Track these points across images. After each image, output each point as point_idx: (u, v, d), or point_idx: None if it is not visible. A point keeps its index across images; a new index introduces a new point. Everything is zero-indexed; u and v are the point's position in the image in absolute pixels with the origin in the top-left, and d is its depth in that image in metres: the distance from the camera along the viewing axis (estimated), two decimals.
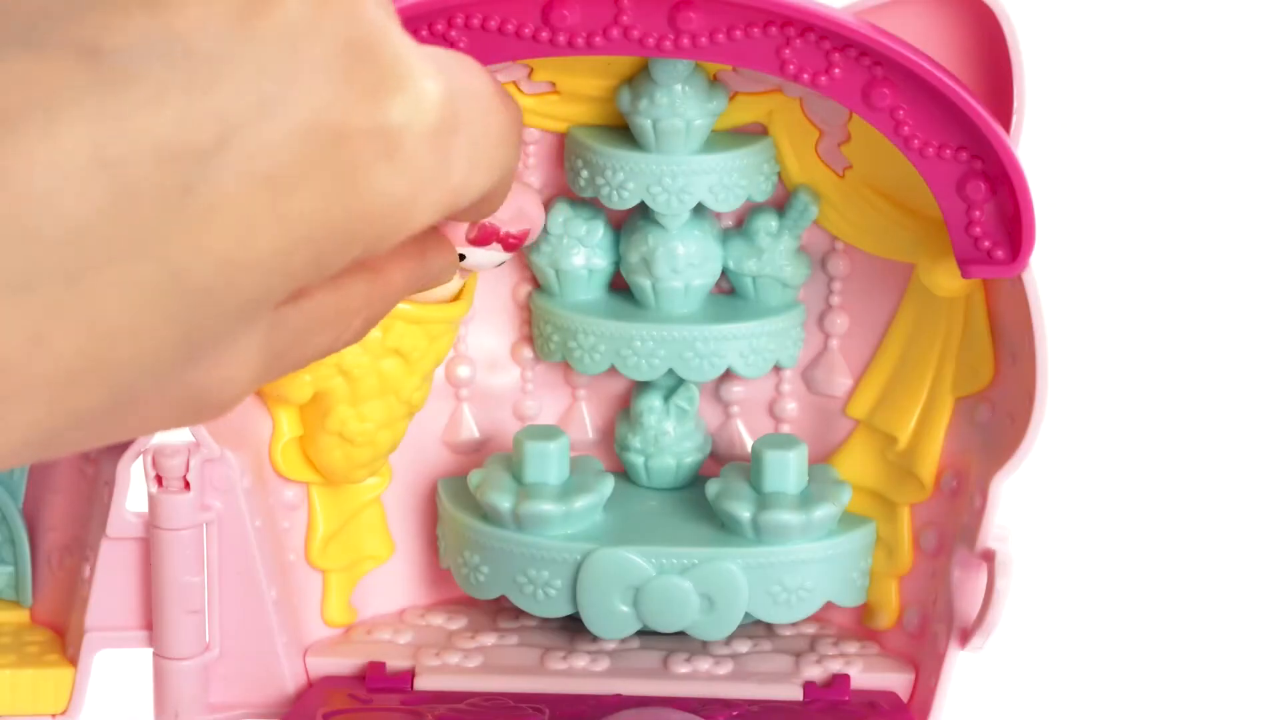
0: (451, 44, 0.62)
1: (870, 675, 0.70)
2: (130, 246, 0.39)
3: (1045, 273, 0.64)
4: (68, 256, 0.38)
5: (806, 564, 0.69)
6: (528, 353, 0.73)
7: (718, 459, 0.73)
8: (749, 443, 0.72)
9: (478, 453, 0.73)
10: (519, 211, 0.66)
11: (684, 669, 0.70)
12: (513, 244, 0.66)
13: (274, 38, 0.41)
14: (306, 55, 0.41)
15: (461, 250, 0.66)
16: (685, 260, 0.69)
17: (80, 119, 0.38)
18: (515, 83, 0.69)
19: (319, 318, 0.47)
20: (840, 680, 0.69)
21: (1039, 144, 0.67)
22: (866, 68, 0.62)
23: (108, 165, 0.38)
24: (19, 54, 0.38)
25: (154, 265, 0.39)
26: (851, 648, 0.71)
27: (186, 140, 0.39)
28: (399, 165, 0.43)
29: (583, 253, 0.71)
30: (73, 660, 0.69)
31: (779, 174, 0.70)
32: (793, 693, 0.69)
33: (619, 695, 0.69)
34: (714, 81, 0.68)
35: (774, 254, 0.70)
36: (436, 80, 0.44)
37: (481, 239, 0.66)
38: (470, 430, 0.73)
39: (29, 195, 0.38)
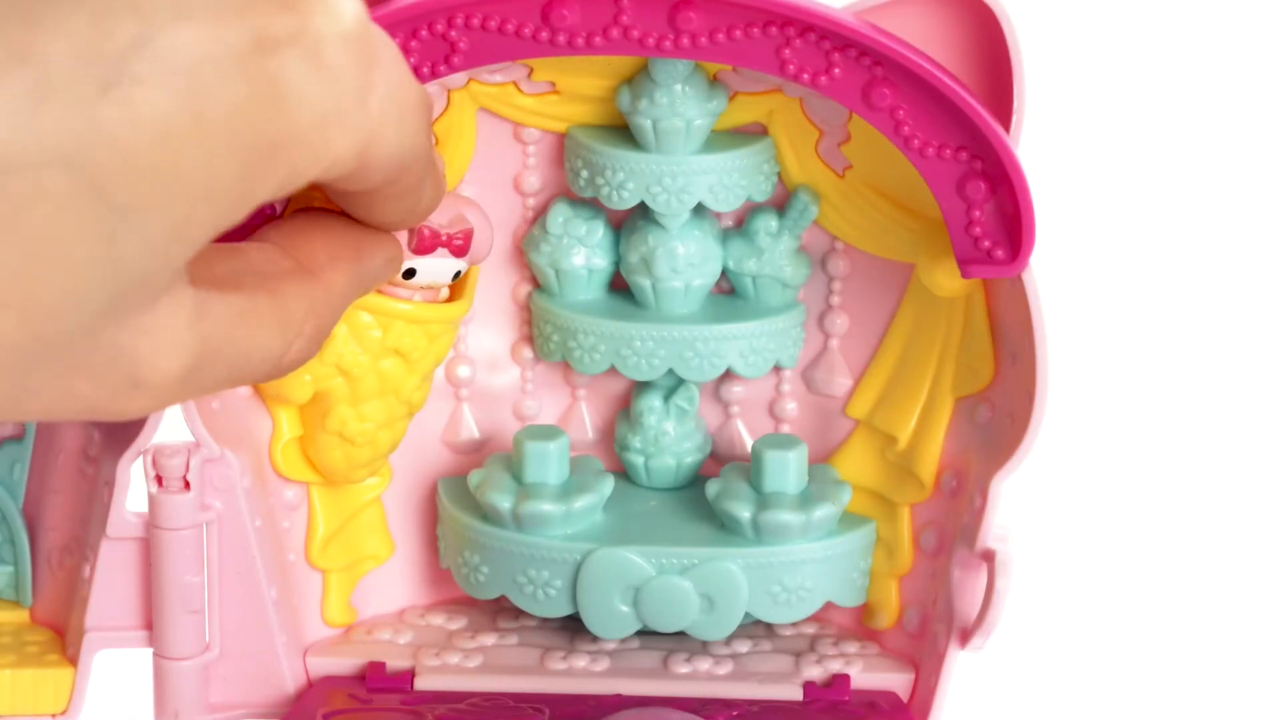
0: (452, 44, 0.62)
1: (870, 675, 0.70)
2: (44, 151, 0.38)
3: (1045, 273, 0.64)
4: None
5: (806, 564, 0.69)
6: (528, 353, 0.73)
7: (718, 459, 0.73)
8: (749, 443, 0.72)
9: (478, 453, 0.73)
10: (457, 215, 0.66)
11: (684, 669, 0.70)
12: (458, 247, 0.66)
13: None
14: None
15: (411, 264, 0.66)
16: (685, 260, 0.69)
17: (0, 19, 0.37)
18: (515, 83, 0.69)
19: (255, 315, 0.46)
20: (840, 680, 0.69)
21: (1039, 144, 0.67)
22: (866, 68, 0.62)
23: (22, 64, 0.37)
24: None
25: (70, 172, 0.38)
26: (851, 648, 0.71)
27: (103, 40, 0.38)
28: (319, 74, 0.43)
29: (583, 253, 0.71)
30: (73, 660, 0.69)
31: (779, 174, 0.70)
32: (793, 693, 0.69)
33: (619, 695, 0.69)
34: (714, 81, 0.68)
35: (774, 254, 0.70)
36: (355, 18, 0.45)
37: (422, 246, 0.65)
38: (470, 430, 0.73)
39: None
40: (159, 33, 0.39)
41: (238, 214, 0.42)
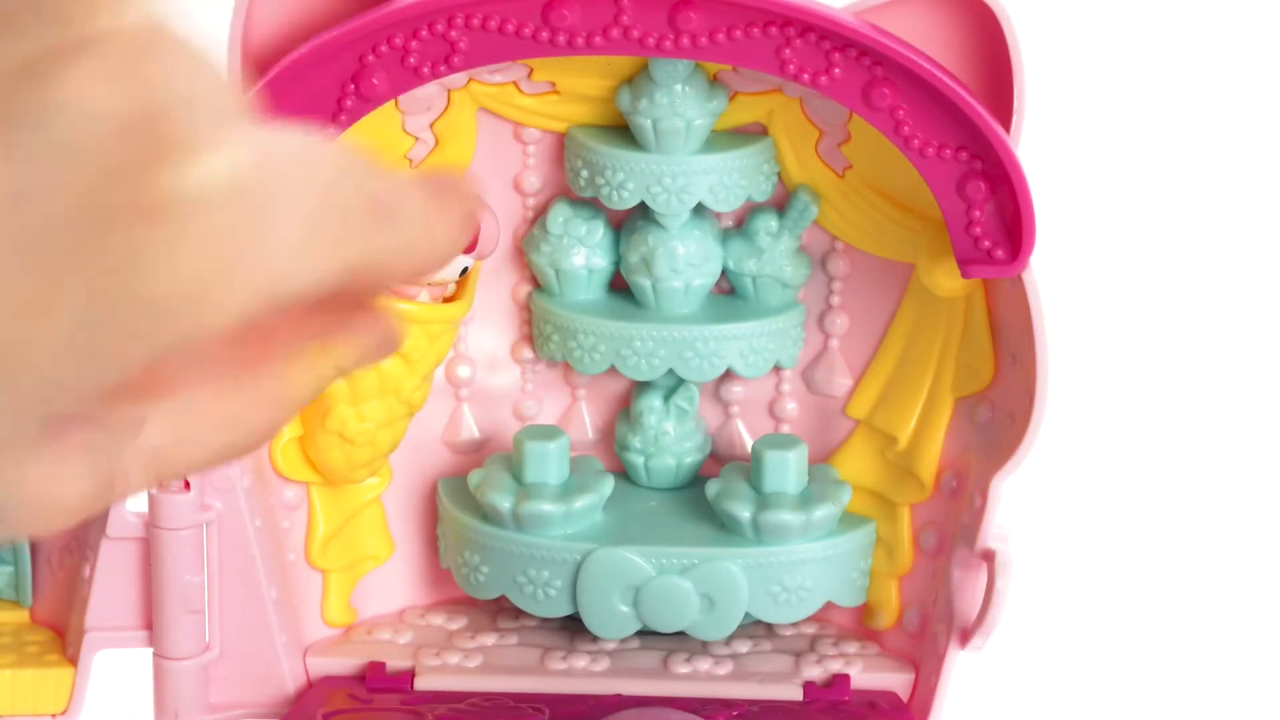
0: (452, 44, 0.62)
1: (870, 675, 0.70)
2: None
3: (1045, 273, 0.64)
4: None
5: (806, 564, 0.69)
6: (528, 353, 0.73)
7: (718, 459, 0.73)
8: (749, 443, 0.72)
9: (478, 453, 0.73)
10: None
11: (684, 669, 0.70)
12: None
13: (62, 107, 0.38)
14: (94, 128, 0.38)
15: None
16: (685, 260, 0.69)
17: None
18: (515, 83, 0.69)
19: (183, 424, 0.44)
20: (840, 680, 0.69)
21: (1039, 144, 0.67)
22: (866, 67, 0.62)
23: None
24: None
25: None
26: (851, 648, 0.71)
27: None
28: (183, 247, 0.39)
29: (583, 253, 0.71)
30: (73, 660, 0.69)
31: (779, 174, 0.70)
32: (793, 693, 0.69)
33: (619, 695, 0.69)
34: (714, 81, 0.68)
35: (774, 254, 0.70)
36: (233, 149, 0.40)
37: None
38: (470, 430, 0.73)
39: None
40: (26, 204, 0.38)
41: (111, 379, 0.39)
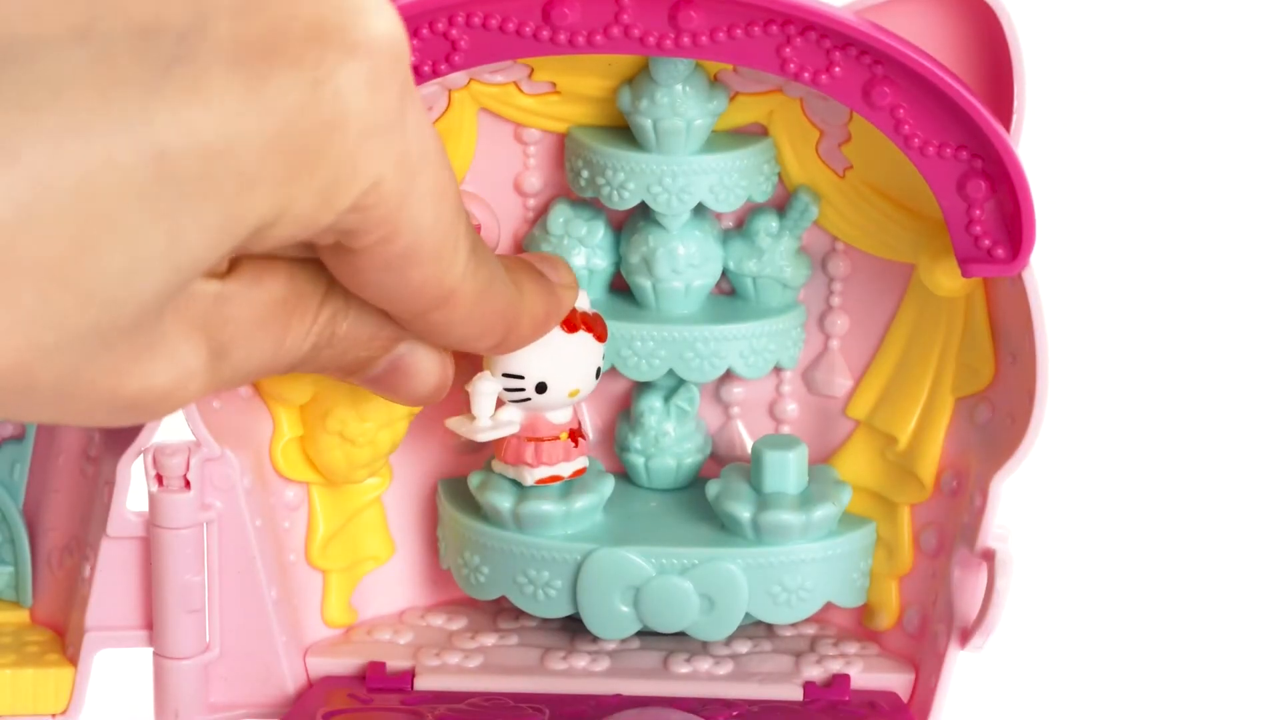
0: (452, 43, 0.62)
1: (870, 675, 0.70)
2: (113, 120, 0.39)
3: (1045, 272, 0.64)
4: (53, 124, 0.39)
5: (806, 564, 0.69)
6: None
7: (718, 459, 0.73)
8: (749, 443, 0.72)
9: (478, 453, 0.73)
10: None
11: (684, 669, 0.70)
12: None
13: None
14: None
15: None
16: (685, 261, 0.69)
17: None
18: (516, 83, 0.69)
19: (268, 304, 0.48)
20: (840, 680, 0.69)
21: (1039, 143, 0.67)
22: (867, 66, 0.62)
23: (89, 36, 0.39)
24: None
25: (138, 146, 0.40)
26: (851, 648, 0.71)
27: (164, 20, 0.40)
28: (368, 78, 0.45)
29: (583, 253, 0.71)
30: (73, 660, 0.69)
31: (779, 174, 0.70)
32: (793, 693, 0.69)
33: (619, 695, 0.69)
34: (714, 81, 0.68)
35: (774, 254, 0.70)
36: (396, 30, 0.47)
37: None
38: None
39: (12, 58, 0.38)
40: (218, 20, 0.41)
41: (286, 212, 0.44)
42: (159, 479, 0.67)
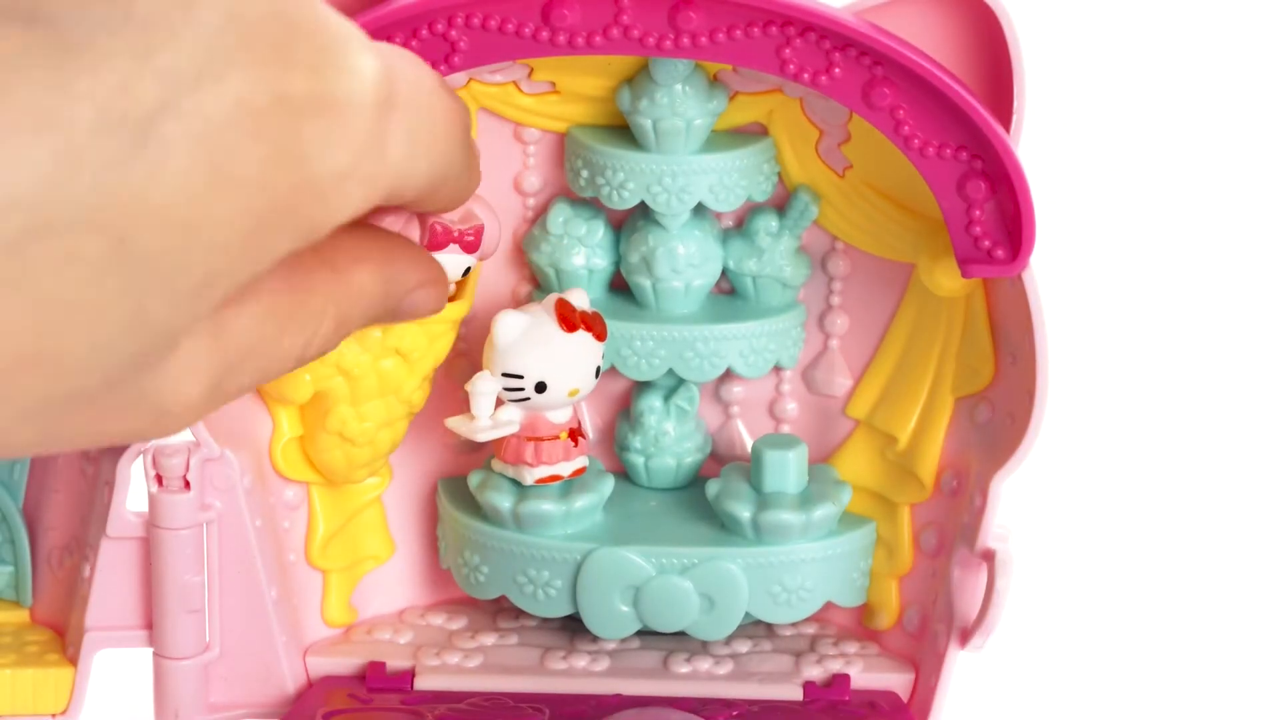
0: (452, 44, 0.62)
1: (870, 675, 0.70)
2: (74, 213, 0.38)
3: (1045, 273, 0.64)
4: (10, 226, 0.38)
5: (806, 564, 0.69)
6: None
7: (718, 459, 0.73)
8: (749, 443, 0.72)
9: (478, 452, 0.73)
10: (467, 212, 0.65)
11: (684, 669, 0.70)
12: (469, 244, 0.65)
13: (214, 9, 0.41)
14: (246, 28, 0.42)
15: None
16: (685, 260, 0.69)
17: (23, 85, 0.38)
18: (515, 83, 0.69)
19: (273, 318, 0.47)
20: (840, 680, 0.69)
21: (1039, 144, 0.67)
22: (867, 67, 0.62)
23: (51, 129, 0.38)
24: None
25: (99, 234, 0.39)
26: (851, 648, 0.71)
27: (130, 104, 0.39)
28: (337, 135, 0.44)
29: (583, 253, 0.71)
30: (73, 660, 0.69)
31: (779, 174, 0.70)
32: (793, 693, 0.69)
33: (619, 695, 0.69)
34: (714, 81, 0.68)
35: (774, 254, 0.70)
36: (374, 57, 0.46)
37: (433, 242, 0.64)
38: None
39: None
40: (184, 97, 0.40)
41: (260, 267, 0.43)
42: (159, 479, 0.67)
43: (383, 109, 0.46)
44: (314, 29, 0.44)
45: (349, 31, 0.45)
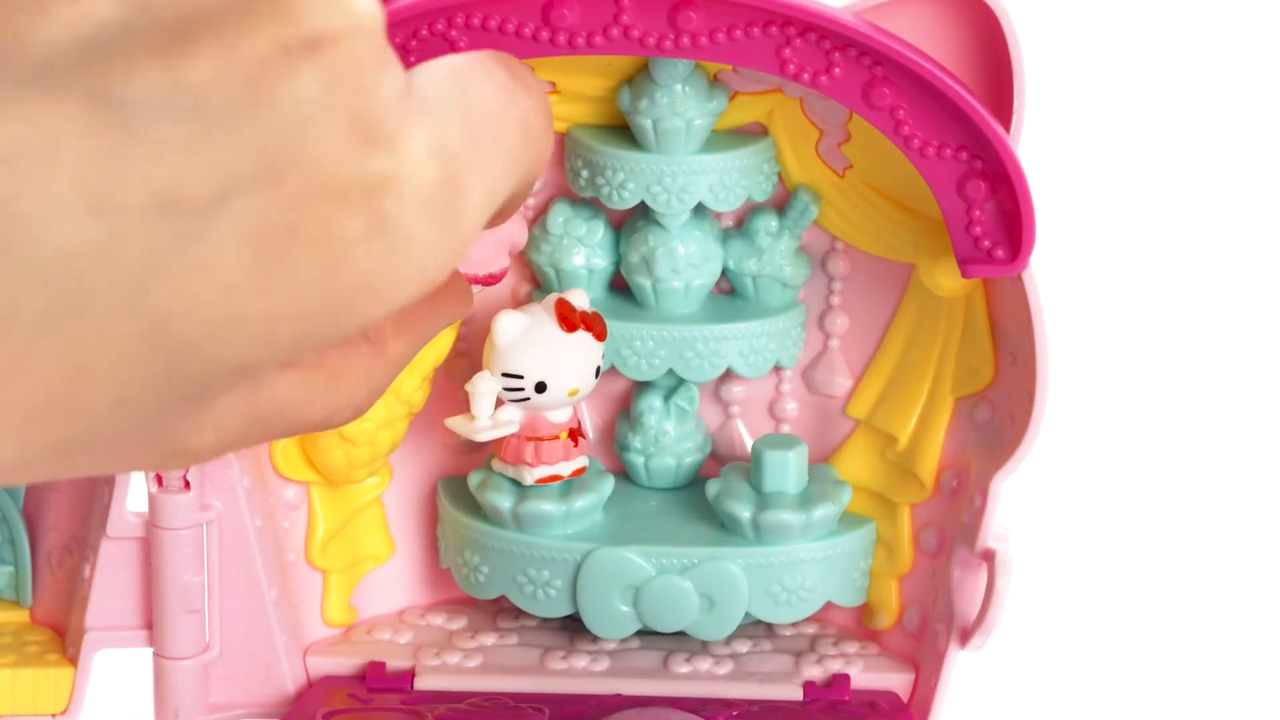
0: (452, 44, 0.62)
1: (870, 675, 0.70)
2: (115, 293, 0.38)
3: (1045, 273, 0.64)
4: (52, 295, 0.38)
5: (806, 564, 0.69)
6: None
7: (718, 459, 0.73)
8: (749, 443, 0.72)
9: (477, 452, 0.73)
10: (495, 249, 0.65)
11: (684, 669, 0.70)
12: (489, 280, 0.65)
13: (284, 105, 0.40)
14: (314, 127, 0.41)
15: None
16: (685, 260, 0.69)
17: (81, 162, 0.38)
18: None
19: (306, 388, 0.46)
20: (840, 680, 0.69)
21: (1039, 144, 0.67)
22: (867, 67, 0.62)
23: (103, 210, 0.38)
24: (29, 92, 0.38)
25: (136, 316, 0.39)
26: (851, 648, 0.71)
27: (184, 194, 0.39)
28: (390, 242, 0.42)
29: (583, 253, 0.71)
30: (73, 660, 0.69)
31: (779, 174, 0.70)
32: (793, 693, 0.69)
33: (619, 695, 0.69)
34: (714, 81, 0.68)
35: (774, 254, 0.70)
36: (428, 153, 0.43)
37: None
38: None
39: (21, 230, 0.37)
40: (239, 195, 0.40)
41: (303, 354, 0.42)
42: (159, 479, 0.67)
43: (442, 202, 0.43)
44: (379, 128, 0.42)
45: (406, 121, 0.42)
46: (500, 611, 0.73)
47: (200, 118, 0.39)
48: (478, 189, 0.45)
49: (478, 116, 0.46)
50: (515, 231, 0.66)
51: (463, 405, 0.68)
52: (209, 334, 0.40)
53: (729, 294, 0.72)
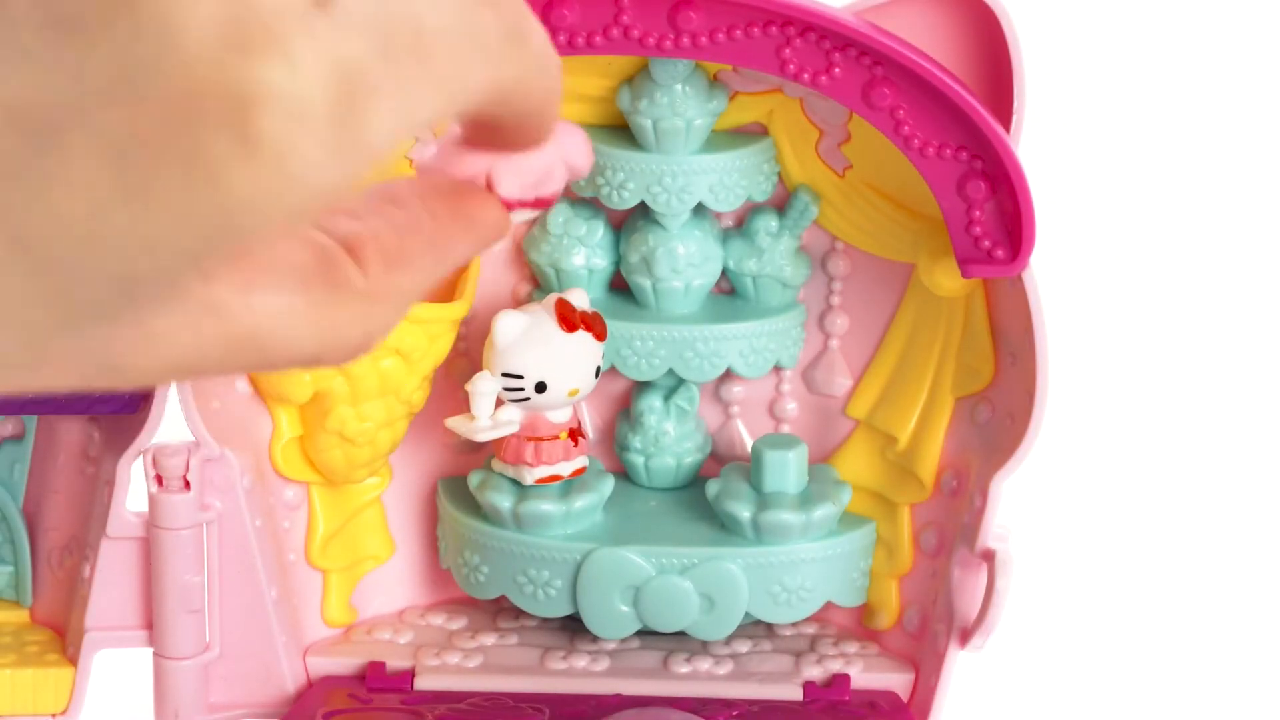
0: None
1: (870, 675, 0.70)
2: None
3: (1045, 273, 0.64)
4: None
5: (806, 564, 0.69)
6: None
7: (718, 459, 0.73)
8: (749, 443, 0.72)
9: (478, 452, 0.73)
10: (545, 171, 0.63)
11: (684, 669, 0.70)
12: (542, 201, 0.61)
13: (147, 8, 0.40)
14: (179, 33, 0.38)
15: None
16: (685, 260, 0.69)
17: None
18: None
19: (288, 320, 0.45)
20: (840, 680, 0.69)
21: (1039, 144, 0.67)
22: (867, 67, 0.62)
23: None
24: None
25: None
26: (851, 648, 0.71)
27: (36, 105, 0.38)
28: (262, 160, 0.39)
29: (583, 253, 0.71)
30: (73, 660, 0.69)
31: (779, 174, 0.70)
32: (793, 693, 0.69)
33: (619, 695, 0.69)
34: (714, 81, 0.68)
35: (774, 254, 0.70)
36: (319, 64, 0.39)
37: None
38: None
39: None
40: (95, 108, 0.39)
41: (203, 267, 0.41)
42: (159, 479, 0.67)
43: (337, 105, 0.40)
44: (258, 22, 0.39)
45: (295, 19, 0.39)
46: (500, 611, 0.73)
47: (61, 26, 0.38)
48: (389, 105, 0.41)
49: (412, 28, 0.42)
50: (577, 154, 0.62)
51: (463, 405, 0.68)
52: (72, 248, 0.39)
53: (729, 294, 0.72)
